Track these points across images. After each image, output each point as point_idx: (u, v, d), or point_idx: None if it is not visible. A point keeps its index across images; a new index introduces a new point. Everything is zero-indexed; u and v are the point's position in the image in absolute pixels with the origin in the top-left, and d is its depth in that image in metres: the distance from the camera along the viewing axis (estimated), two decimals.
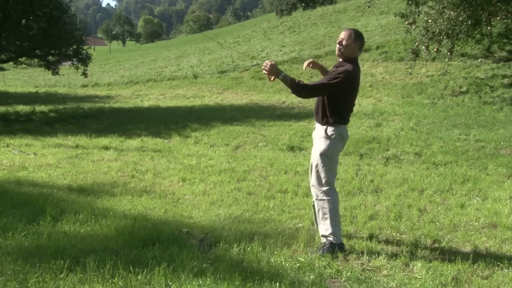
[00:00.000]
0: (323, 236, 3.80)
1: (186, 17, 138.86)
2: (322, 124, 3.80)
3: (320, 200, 3.79)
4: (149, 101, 20.40)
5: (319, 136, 3.81)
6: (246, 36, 41.51)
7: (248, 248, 3.71)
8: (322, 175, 3.75)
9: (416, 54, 14.65)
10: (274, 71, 3.69)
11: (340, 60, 3.88)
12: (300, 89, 3.69)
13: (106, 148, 9.30)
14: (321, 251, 3.71)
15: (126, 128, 12.68)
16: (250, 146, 9.59)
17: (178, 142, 10.27)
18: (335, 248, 3.71)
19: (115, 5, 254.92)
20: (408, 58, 15.10)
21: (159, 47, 68.05)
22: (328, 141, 3.75)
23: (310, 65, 4.11)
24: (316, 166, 3.78)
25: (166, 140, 10.48)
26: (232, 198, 5.47)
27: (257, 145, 9.66)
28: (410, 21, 14.15)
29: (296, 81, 3.70)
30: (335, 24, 33.17)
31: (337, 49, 3.87)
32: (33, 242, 3.63)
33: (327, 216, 3.74)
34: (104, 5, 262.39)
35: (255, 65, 23.73)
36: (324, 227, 3.76)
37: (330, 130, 3.75)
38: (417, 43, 14.60)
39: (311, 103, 16.77)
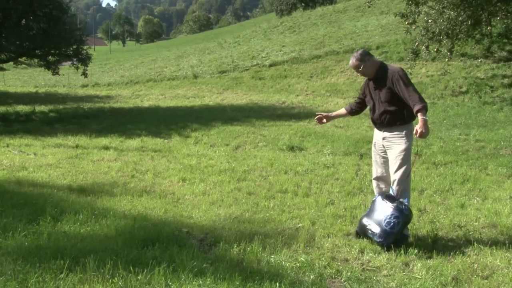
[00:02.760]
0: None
1: (186, 17, 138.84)
2: (401, 125, 4.05)
3: (405, 196, 4.01)
4: (149, 101, 20.40)
5: (399, 137, 4.06)
6: (246, 36, 41.53)
7: (248, 248, 3.71)
8: (408, 172, 4.05)
9: (416, 54, 14.65)
10: (428, 129, 3.83)
11: (370, 79, 4.19)
12: (426, 107, 3.87)
13: (106, 148, 9.30)
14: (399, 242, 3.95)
15: (126, 128, 12.68)
16: (250, 146, 9.59)
17: (178, 142, 10.26)
18: (406, 239, 4.01)
19: (115, 5, 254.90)
20: (408, 58, 15.11)
21: (159, 47, 68.07)
22: (410, 139, 4.06)
23: (324, 120, 4.61)
24: (402, 165, 4.01)
25: (166, 140, 10.48)
26: (232, 198, 5.47)
27: (257, 145, 9.66)
28: (410, 21, 14.16)
29: (423, 110, 3.83)
30: (335, 24, 33.17)
31: (362, 76, 4.18)
32: (33, 242, 3.63)
33: None
34: (104, 5, 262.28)
35: (255, 65, 23.72)
36: None
37: (409, 129, 4.06)
38: (417, 43, 14.61)
39: (311, 103, 16.76)
